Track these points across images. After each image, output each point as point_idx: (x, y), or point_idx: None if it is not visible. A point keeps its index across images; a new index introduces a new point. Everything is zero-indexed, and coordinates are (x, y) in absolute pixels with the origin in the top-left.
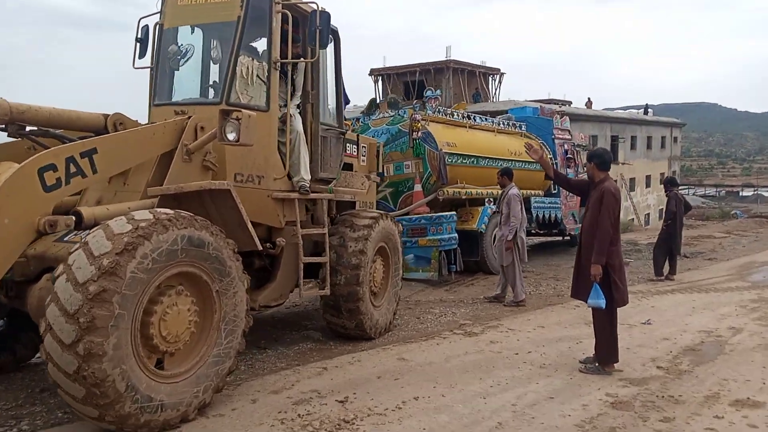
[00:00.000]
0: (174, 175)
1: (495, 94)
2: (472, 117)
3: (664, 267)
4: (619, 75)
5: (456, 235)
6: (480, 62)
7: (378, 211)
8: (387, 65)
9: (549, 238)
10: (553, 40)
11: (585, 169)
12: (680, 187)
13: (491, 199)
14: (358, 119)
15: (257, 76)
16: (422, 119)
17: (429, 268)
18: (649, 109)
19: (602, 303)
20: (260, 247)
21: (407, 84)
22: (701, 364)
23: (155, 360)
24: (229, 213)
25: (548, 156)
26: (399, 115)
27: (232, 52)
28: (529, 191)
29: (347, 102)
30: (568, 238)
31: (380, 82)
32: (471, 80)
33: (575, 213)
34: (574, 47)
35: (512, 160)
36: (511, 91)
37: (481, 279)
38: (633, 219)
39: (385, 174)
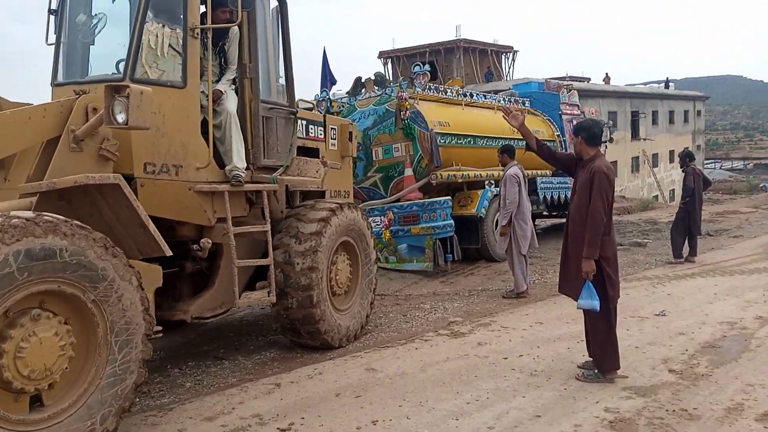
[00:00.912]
0: (58, 167)
1: (508, 72)
2: (468, 94)
3: (684, 248)
4: (639, 50)
5: (452, 221)
6: (492, 41)
7: (331, 202)
8: (396, 47)
9: (560, 220)
10: (567, 16)
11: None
12: (707, 162)
13: (491, 182)
14: (343, 100)
15: (170, 46)
16: (411, 97)
17: (423, 258)
18: (671, 83)
19: (596, 304)
20: (168, 252)
21: (417, 66)
22: (722, 364)
23: (27, 401)
24: (125, 212)
25: (555, 133)
26: (386, 94)
27: (137, 16)
28: (535, 171)
29: (333, 82)
30: None
31: (390, 65)
32: (483, 59)
33: None
34: (591, 22)
35: (515, 139)
36: (526, 69)
37: (483, 268)
38: (657, 196)
39: (374, 158)
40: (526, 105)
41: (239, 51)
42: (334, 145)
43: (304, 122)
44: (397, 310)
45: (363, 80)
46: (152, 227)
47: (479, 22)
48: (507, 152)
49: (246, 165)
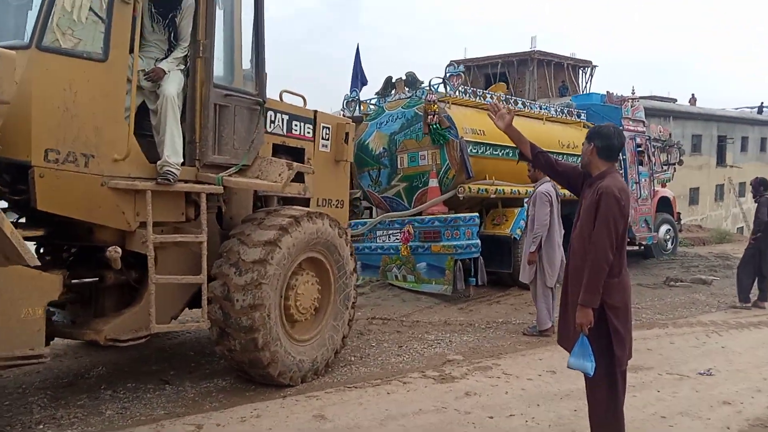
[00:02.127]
0: None
1: (585, 88)
2: (512, 101)
3: (752, 291)
4: (732, 73)
5: (477, 241)
6: (570, 54)
7: (284, 215)
8: (468, 57)
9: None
10: (654, 34)
11: (632, 162)
12: None
13: None
14: (372, 102)
15: (91, 9)
16: (441, 101)
17: (443, 281)
18: (765, 108)
19: (589, 367)
20: (33, 262)
21: (488, 76)
22: None
23: None
24: None
25: None
26: (417, 96)
27: None
28: None
29: (364, 83)
30: (640, 247)
31: None
32: (558, 73)
33: (649, 219)
34: (681, 42)
35: (563, 154)
36: (605, 86)
37: (512, 296)
38: (742, 228)
39: (399, 166)
40: (582, 118)
41: (194, 26)
42: (326, 146)
43: (286, 117)
44: (394, 340)
45: (394, 80)
46: (8, 228)
47: (556, 35)
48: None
49: (182, 160)
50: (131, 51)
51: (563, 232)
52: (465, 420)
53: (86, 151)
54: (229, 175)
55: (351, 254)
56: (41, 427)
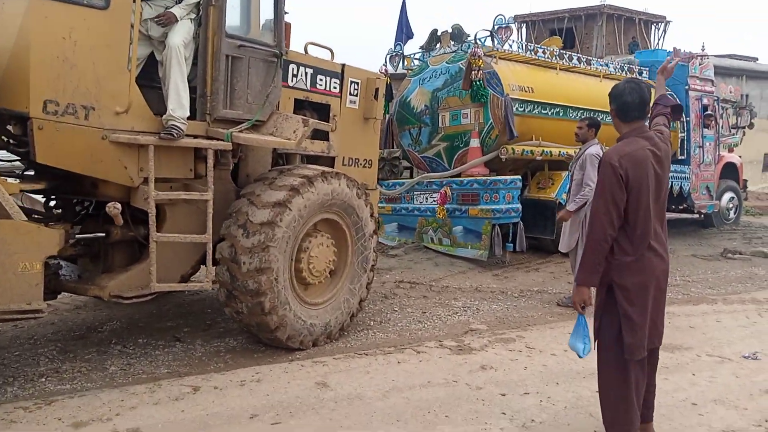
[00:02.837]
0: None
1: (657, 45)
2: (566, 57)
3: None
4: None
5: (518, 205)
6: (643, 9)
7: (297, 174)
8: (533, 11)
9: (672, 215)
10: None
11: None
12: None
13: None
14: (416, 56)
15: None
16: (488, 55)
17: (479, 245)
18: None
19: (580, 348)
20: (17, 217)
21: (554, 32)
22: None
23: None
24: None
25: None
26: (462, 50)
27: None
28: None
29: (410, 36)
30: (700, 216)
31: (524, 29)
32: (628, 28)
33: (711, 186)
34: None
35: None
36: (679, 43)
37: (553, 263)
38: None
39: (440, 124)
40: (644, 76)
41: None
42: (354, 102)
43: (310, 70)
44: (419, 305)
45: (439, 33)
46: None
47: None
48: (594, 126)
49: (189, 114)
50: None
51: None
52: (474, 396)
53: (86, 102)
54: (241, 131)
55: (371, 216)
56: (43, 380)
